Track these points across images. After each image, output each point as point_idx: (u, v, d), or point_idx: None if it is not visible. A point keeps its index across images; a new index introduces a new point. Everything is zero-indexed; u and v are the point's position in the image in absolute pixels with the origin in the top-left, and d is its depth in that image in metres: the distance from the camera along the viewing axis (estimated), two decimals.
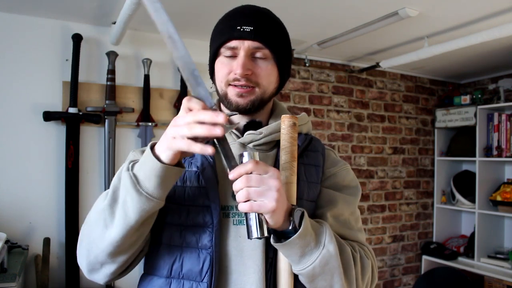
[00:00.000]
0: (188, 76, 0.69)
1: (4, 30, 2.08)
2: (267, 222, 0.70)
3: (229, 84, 0.85)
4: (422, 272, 3.36)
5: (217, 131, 0.63)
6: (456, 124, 3.27)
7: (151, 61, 2.35)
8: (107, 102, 2.24)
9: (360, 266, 0.83)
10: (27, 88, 2.12)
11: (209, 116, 0.64)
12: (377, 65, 2.84)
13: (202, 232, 0.81)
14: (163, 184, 0.69)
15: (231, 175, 0.69)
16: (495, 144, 3.04)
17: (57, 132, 2.17)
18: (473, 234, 3.17)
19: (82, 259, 0.80)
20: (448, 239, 3.45)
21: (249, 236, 0.70)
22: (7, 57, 2.08)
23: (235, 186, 0.69)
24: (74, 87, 2.14)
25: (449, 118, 3.33)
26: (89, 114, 2.19)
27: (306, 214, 0.75)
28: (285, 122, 0.82)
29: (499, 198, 2.97)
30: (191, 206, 0.83)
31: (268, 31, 0.86)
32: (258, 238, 0.70)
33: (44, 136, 2.15)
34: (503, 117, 3.02)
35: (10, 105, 2.08)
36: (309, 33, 2.40)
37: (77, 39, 2.15)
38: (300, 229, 0.72)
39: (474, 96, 3.21)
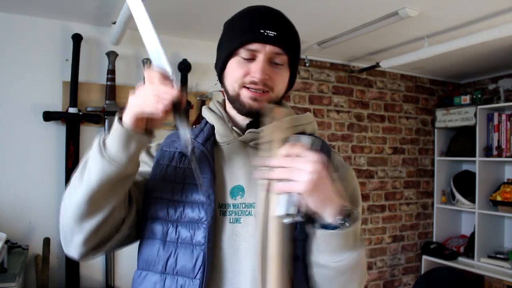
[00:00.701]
0: (153, 49, 0.77)
1: (4, 30, 2.08)
2: (300, 206, 0.71)
3: (244, 86, 0.84)
4: (422, 272, 3.36)
5: (159, 106, 0.70)
6: (456, 124, 3.27)
7: (151, 61, 2.34)
8: (107, 102, 2.24)
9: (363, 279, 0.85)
10: (27, 88, 2.12)
11: (162, 90, 0.70)
12: (377, 65, 2.84)
13: (196, 228, 0.81)
14: (125, 148, 0.72)
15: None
16: (495, 144, 3.04)
17: (57, 132, 2.17)
18: (473, 234, 3.17)
19: (60, 233, 0.80)
20: (448, 239, 3.45)
21: (275, 213, 0.72)
22: (7, 57, 2.08)
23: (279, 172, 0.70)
24: (74, 87, 2.14)
25: (449, 118, 3.33)
26: (89, 114, 2.19)
27: (360, 217, 0.77)
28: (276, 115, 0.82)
29: (499, 198, 2.97)
30: (186, 202, 0.83)
31: (289, 38, 0.86)
32: (284, 216, 0.70)
33: (44, 136, 2.15)
34: (503, 117, 3.02)
35: (10, 105, 2.08)
36: (309, 33, 2.40)
37: (77, 39, 2.15)
38: (356, 223, 0.74)
39: (474, 96, 3.21)
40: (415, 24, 2.15)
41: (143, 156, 0.92)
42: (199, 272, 0.78)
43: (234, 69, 0.85)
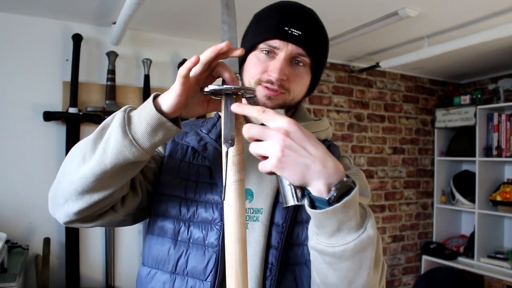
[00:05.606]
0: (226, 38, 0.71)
1: (4, 30, 2.08)
2: (303, 188, 0.62)
3: (260, 83, 0.81)
4: (422, 272, 3.36)
5: (236, 52, 0.64)
6: (456, 124, 3.27)
7: (151, 61, 2.35)
8: (107, 102, 2.24)
9: (381, 269, 0.73)
10: (27, 88, 2.12)
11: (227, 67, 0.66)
12: (377, 65, 2.85)
13: (210, 229, 0.79)
14: (152, 134, 0.66)
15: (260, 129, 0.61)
16: (495, 144, 3.04)
17: (57, 132, 2.17)
18: (473, 234, 3.17)
19: (51, 190, 0.75)
20: (448, 239, 3.46)
21: (286, 203, 0.62)
22: (7, 57, 2.08)
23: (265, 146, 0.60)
24: (74, 87, 2.14)
25: (449, 118, 3.33)
26: (89, 114, 2.19)
27: (357, 188, 0.61)
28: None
29: (499, 198, 2.97)
30: (200, 202, 0.81)
31: (314, 40, 0.82)
32: (295, 204, 0.62)
33: (44, 136, 2.15)
34: (503, 117, 3.02)
35: (10, 105, 2.08)
36: None
37: (77, 39, 2.15)
38: (347, 198, 0.59)
39: (474, 96, 3.21)
40: (415, 24, 2.16)
41: None
42: (211, 275, 0.77)
43: (253, 64, 0.82)
